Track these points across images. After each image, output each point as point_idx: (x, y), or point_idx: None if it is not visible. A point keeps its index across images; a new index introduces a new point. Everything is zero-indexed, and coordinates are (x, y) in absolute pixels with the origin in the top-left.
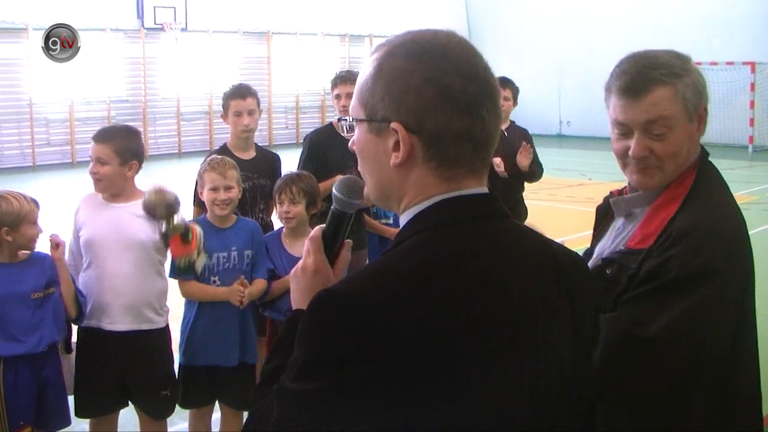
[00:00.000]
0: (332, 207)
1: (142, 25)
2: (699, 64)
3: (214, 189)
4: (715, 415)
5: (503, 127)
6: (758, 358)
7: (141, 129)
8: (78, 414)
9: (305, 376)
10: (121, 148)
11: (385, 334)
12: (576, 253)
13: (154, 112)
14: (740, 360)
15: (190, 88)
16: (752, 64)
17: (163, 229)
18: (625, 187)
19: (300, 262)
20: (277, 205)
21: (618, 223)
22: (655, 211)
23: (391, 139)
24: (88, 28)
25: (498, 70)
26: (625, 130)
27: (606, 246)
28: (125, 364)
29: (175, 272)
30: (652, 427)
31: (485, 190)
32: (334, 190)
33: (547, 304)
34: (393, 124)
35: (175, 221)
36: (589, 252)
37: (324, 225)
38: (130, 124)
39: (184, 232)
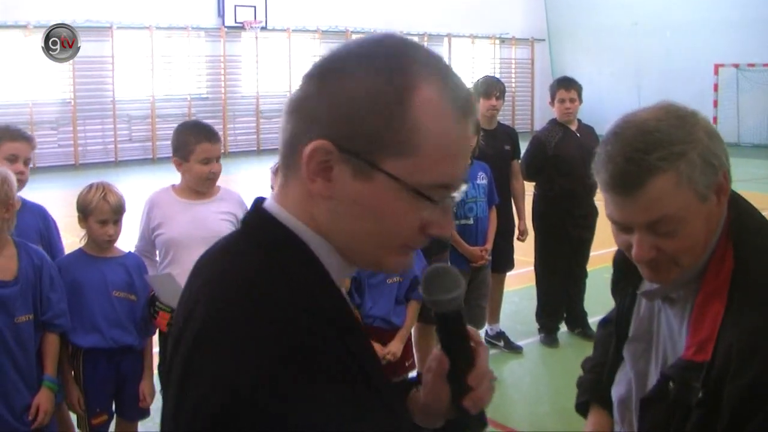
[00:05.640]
0: (432, 312)
1: (223, 24)
2: (752, 66)
3: None
4: None
5: (573, 127)
6: None
7: (221, 126)
8: None
9: None
10: None
11: None
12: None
13: (234, 110)
14: None
15: (269, 86)
16: None
17: (157, 302)
18: None
19: None
20: None
21: (654, 304)
22: (701, 310)
23: None
24: (170, 26)
25: (577, 70)
26: (622, 227)
27: (652, 339)
28: None
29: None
30: None
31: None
32: (421, 292)
33: None
34: None
35: (172, 304)
36: (607, 319)
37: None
38: (210, 121)
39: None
